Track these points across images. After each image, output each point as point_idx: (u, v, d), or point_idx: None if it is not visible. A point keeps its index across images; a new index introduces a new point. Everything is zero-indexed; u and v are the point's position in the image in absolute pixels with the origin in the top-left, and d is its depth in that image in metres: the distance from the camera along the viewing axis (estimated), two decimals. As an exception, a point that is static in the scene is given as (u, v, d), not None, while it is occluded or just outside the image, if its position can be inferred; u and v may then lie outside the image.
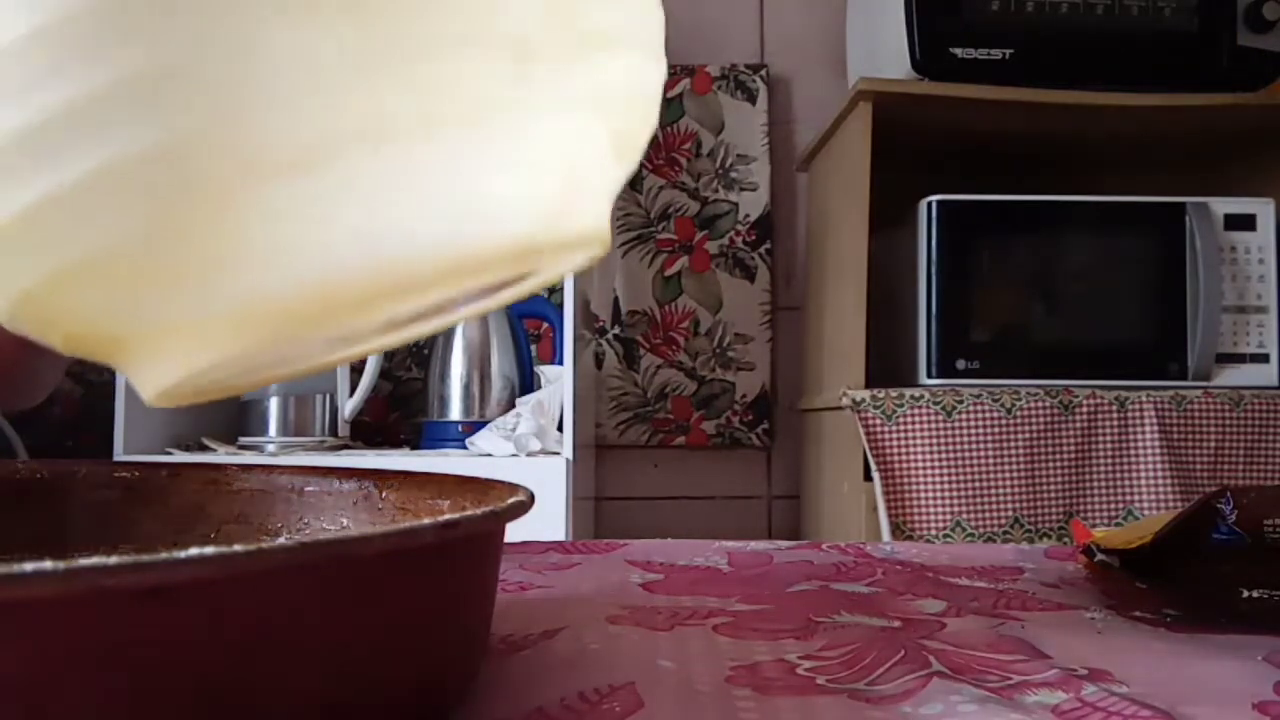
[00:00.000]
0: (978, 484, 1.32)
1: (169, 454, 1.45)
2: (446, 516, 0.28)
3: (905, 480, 1.33)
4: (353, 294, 0.24)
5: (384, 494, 0.44)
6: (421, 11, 0.23)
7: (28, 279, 0.24)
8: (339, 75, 0.22)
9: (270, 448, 1.47)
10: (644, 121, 0.27)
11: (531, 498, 0.34)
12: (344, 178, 0.23)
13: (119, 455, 1.38)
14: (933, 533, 1.32)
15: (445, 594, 0.31)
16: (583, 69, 0.25)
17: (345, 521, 0.44)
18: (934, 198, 1.43)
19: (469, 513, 0.30)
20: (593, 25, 0.26)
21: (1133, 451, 1.34)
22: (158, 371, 0.27)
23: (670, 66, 1.90)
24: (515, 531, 0.36)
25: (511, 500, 0.32)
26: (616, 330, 1.89)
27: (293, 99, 0.22)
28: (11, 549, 0.41)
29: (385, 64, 0.23)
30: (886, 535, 1.31)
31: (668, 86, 1.90)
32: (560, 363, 1.50)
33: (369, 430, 1.74)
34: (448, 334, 1.51)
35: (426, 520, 0.28)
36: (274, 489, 0.45)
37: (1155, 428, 1.33)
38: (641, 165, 1.87)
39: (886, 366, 1.50)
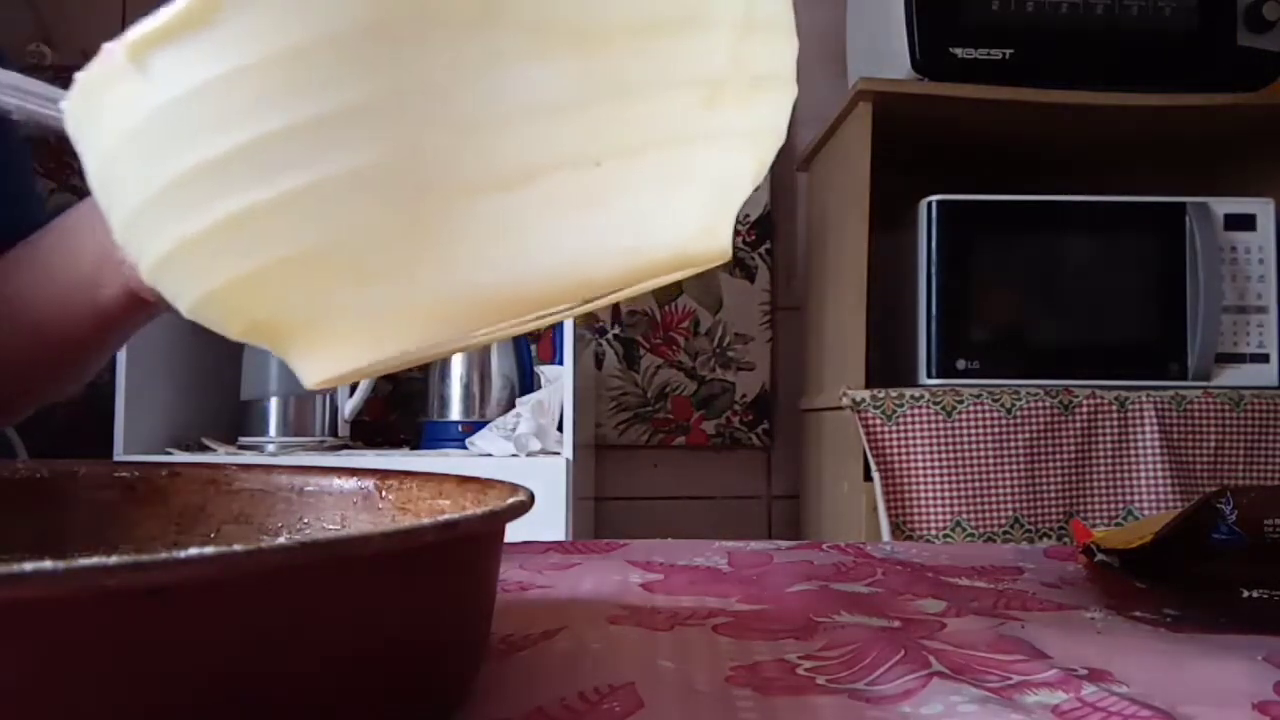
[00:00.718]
0: (978, 484, 1.32)
1: (169, 454, 1.45)
2: (446, 516, 0.28)
3: (905, 480, 1.33)
4: (532, 298, 0.27)
5: (384, 494, 0.44)
6: (635, 55, 0.26)
7: (231, 274, 0.27)
8: (560, 106, 0.25)
9: (270, 448, 1.47)
10: (776, 148, 0.31)
11: (531, 498, 0.34)
12: (549, 196, 0.25)
13: (119, 455, 1.38)
14: (933, 533, 1.32)
15: (445, 594, 0.31)
16: (751, 107, 0.29)
17: (345, 521, 0.44)
18: (934, 198, 1.43)
19: (469, 513, 0.30)
20: (763, 69, 0.29)
21: (1133, 451, 1.34)
22: (326, 361, 0.29)
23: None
24: (515, 531, 0.36)
25: (511, 500, 0.32)
26: (616, 330, 1.89)
27: (518, 124, 0.24)
28: (11, 549, 0.41)
29: (600, 99, 0.25)
30: (886, 535, 1.31)
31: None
32: (560, 363, 1.50)
33: (369, 430, 1.74)
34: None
35: (427, 520, 0.28)
36: (273, 489, 0.45)
37: (1155, 428, 1.33)
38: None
39: (886, 366, 1.49)
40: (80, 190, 1.78)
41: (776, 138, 0.31)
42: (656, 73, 0.26)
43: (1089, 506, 1.34)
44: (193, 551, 0.20)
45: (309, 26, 0.24)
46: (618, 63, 0.25)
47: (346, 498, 0.44)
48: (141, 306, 0.55)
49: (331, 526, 0.44)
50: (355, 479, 0.44)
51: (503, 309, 0.27)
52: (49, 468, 0.45)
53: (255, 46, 0.24)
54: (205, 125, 0.25)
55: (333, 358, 0.29)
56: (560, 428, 1.43)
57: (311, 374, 0.30)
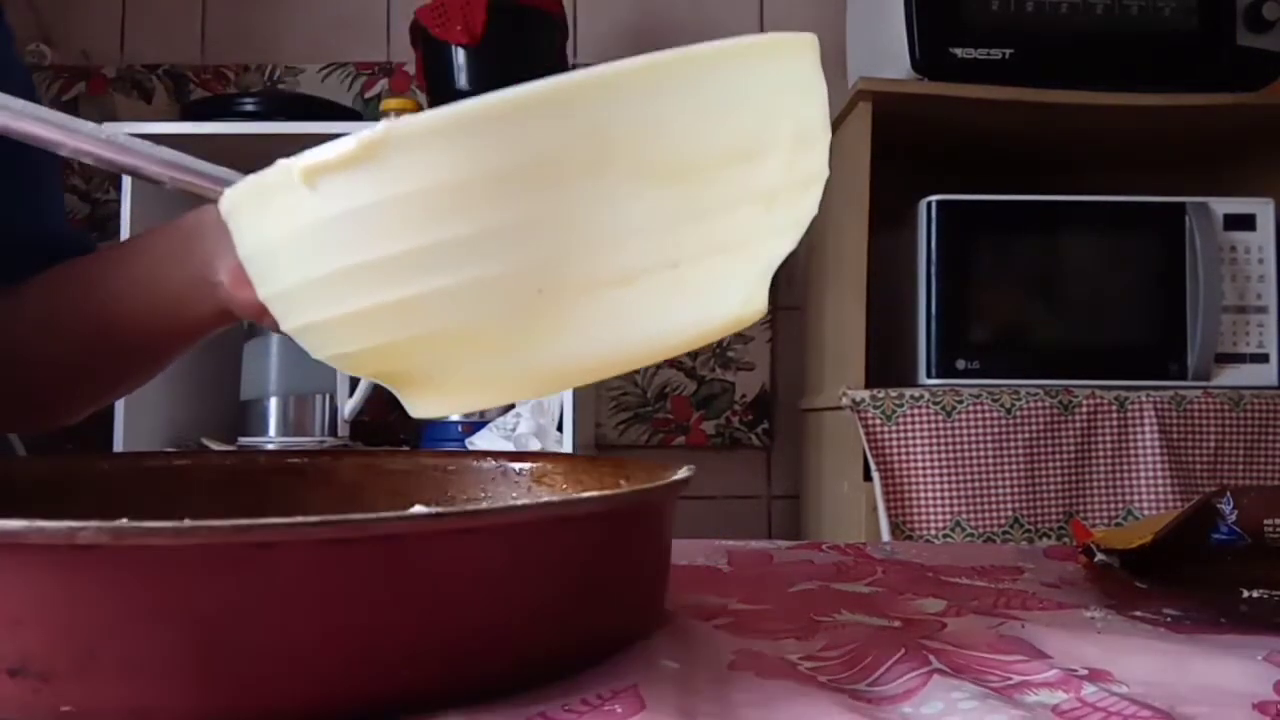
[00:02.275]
0: (978, 484, 1.32)
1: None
2: (675, 476, 0.40)
3: (905, 480, 1.32)
4: (618, 365, 0.35)
5: (519, 471, 0.51)
6: (711, 183, 0.32)
7: (370, 344, 0.34)
8: (653, 229, 0.32)
9: (270, 448, 1.47)
10: (809, 221, 0.37)
11: (690, 470, 0.42)
12: (639, 292, 0.32)
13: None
14: (933, 533, 1.32)
15: (656, 542, 0.41)
16: (799, 203, 0.36)
17: (486, 493, 0.52)
18: (934, 198, 1.42)
19: (680, 474, 0.40)
20: (809, 171, 0.36)
21: (1133, 451, 1.34)
22: (437, 404, 0.36)
23: (670, 66, 1.90)
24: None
25: (685, 471, 0.41)
26: (616, 330, 1.88)
27: (622, 240, 0.32)
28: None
29: (684, 221, 0.32)
30: (886, 535, 1.31)
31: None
32: (560, 363, 1.50)
33: (368, 430, 1.74)
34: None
35: (655, 483, 0.39)
36: (421, 469, 0.53)
37: (1155, 428, 1.33)
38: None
39: (886, 366, 1.49)
40: (79, 190, 1.78)
41: (811, 215, 0.37)
42: (728, 195, 0.33)
43: (1089, 506, 1.34)
44: (507, 503, 0.28)
45: (456, 169, 0.30)
46: (698, 191, 0.32)
47: (485, 474, 0.52)
48: (227, 319, 0.59)
49: (481, 497, 0.52)
50: (491, 459, 0.53)
51: (592, 374, 0.35)
52: (236, 457, 0.55)
53: (411, 182, 0.30)
54: (363, 238, 0.31)
55: (444, 403, 0.36)
56: (560, 428, 1.43)
57: (420, 409, 0.37)
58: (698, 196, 0.32)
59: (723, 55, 0.33)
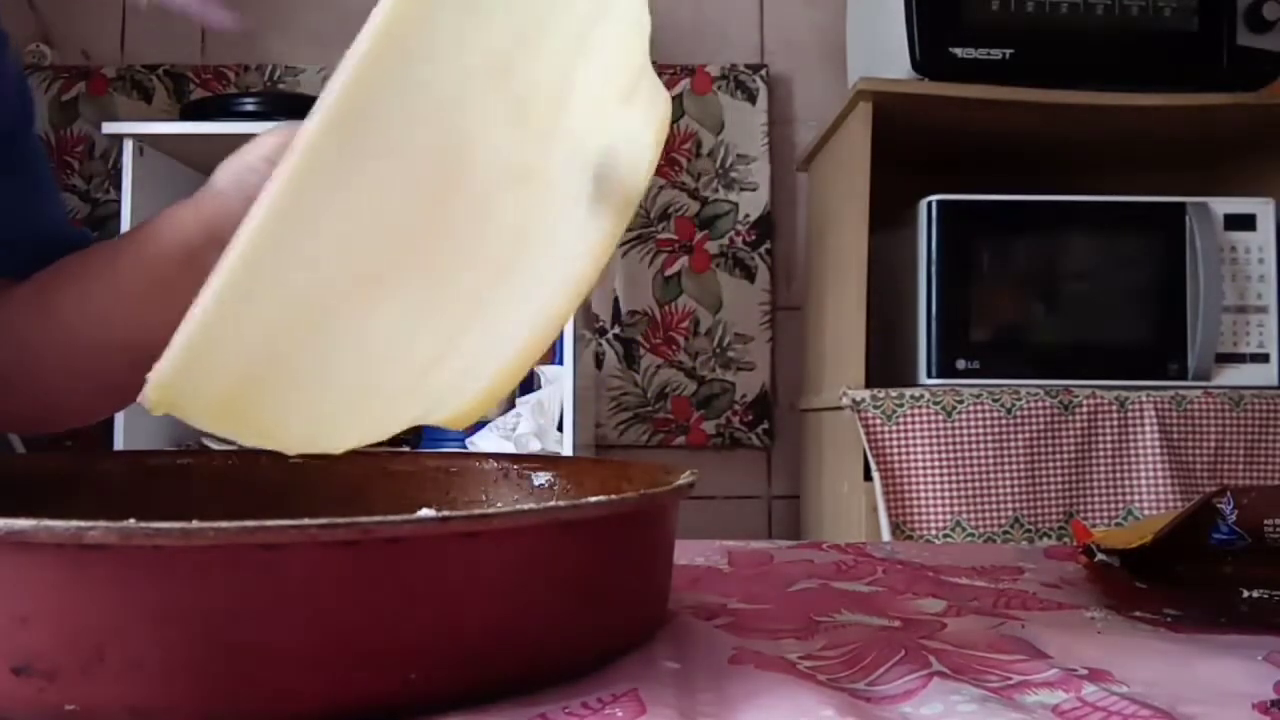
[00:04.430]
0: (978, 484, 1.32)
1: (169, 453, 1.45)
2: (682, 479, 0.41)
3: (905, 480, 1.33)
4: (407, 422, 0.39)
5: (521, 472, 0.51)
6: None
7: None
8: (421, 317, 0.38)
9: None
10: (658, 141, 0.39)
11: (694, 475, 0.42)
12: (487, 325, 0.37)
13: (119, 455, 1.38)
14: (933, 533, 1.32)
15: (660, 546, 0.41)
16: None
17: (487, 495, 0.52)
18: (934, 198, 1.43)
19: (685, 479, 0.41)
20: (519, 159, 0.39)
21: (1133, 451, 1.34)
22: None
23: (670, 66, 1.90)
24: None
25: (688, 476, 0.42)
26: (616, 330, 1.89)
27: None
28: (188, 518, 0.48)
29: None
30: (886, 535, 1.31)
31: (667, 86, 1.90)
32: (560, 363, 1.50)
33: (369, 430, 1.73)
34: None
35: (667, 485, 0.40)
36: (423, 470, 0.53)
37: (1155, 428, 1.33)
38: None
39: (886, 366, 1.49)
40: (79, 190, 1.77)
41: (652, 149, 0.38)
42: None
43: (1089, 506, 1.34)
44: (512, 507, 0.28)
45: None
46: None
47: (487, 476, 0.52)
48: None
49: (480, 499, 0.52)
50: (494, 461, 0.53)
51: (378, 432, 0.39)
52: (237, 457, 0.55)
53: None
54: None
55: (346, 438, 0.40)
56: (560, 428, 1.43)
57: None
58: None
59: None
